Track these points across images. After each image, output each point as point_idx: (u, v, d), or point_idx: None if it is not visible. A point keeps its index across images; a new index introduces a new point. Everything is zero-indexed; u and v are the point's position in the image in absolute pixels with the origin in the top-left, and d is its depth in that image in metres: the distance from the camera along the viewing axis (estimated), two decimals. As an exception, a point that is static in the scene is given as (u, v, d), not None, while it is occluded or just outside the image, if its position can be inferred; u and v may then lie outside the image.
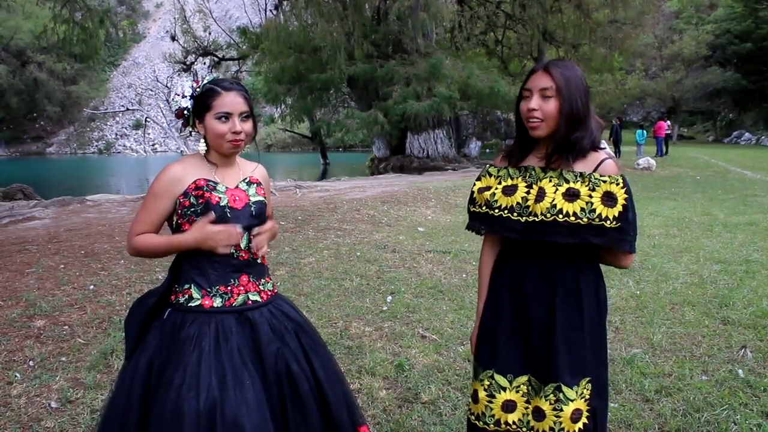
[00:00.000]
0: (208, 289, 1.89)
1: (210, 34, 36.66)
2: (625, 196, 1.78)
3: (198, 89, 1.92)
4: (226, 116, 1.87)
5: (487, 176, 1.99)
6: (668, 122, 29.26)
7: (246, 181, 2.00)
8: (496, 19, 28.46)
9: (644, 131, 26.30)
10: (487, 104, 26.08)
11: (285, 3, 24.94)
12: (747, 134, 44.68)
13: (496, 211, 1.89)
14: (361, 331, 4.27)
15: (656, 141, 26.35)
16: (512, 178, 1.92)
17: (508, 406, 1.92)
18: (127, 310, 1.98)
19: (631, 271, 5.76)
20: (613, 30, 27.67)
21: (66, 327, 4.26)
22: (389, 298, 5.07)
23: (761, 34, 42.91)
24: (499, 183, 1.93)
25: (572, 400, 1.84)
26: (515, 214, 1.85)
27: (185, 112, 1.93)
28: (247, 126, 1.91)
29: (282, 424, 1.86)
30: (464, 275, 5.80)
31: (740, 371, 3.50)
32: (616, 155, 24.92)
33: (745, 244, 7.07)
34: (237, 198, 1.93)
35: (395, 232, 8.16)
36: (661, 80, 47.51)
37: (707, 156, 26.35)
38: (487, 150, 36.39)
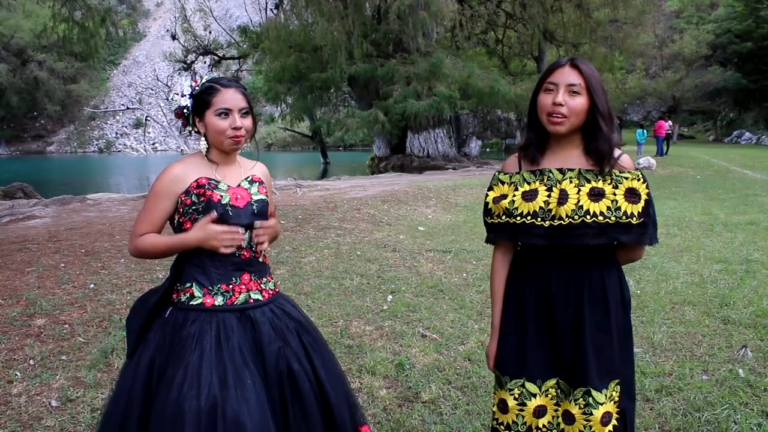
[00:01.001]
0: (210, 288, 1.89)
1: (210, 33, 36.62)
2: (647, 191, 1.76)
3: (197, 88, 1.92)
4: (226, 112, 1.87)
5: (500, 184, 1.91)
6: (669, 122, 29.22)
7: (248, 179, 2.00)
8: (496, 18, 28.48)
9: (645, 131, 26.29)
10: (488, 103, 26.11)
11: (285, 2, 24.95)
12: (747, 134, 44.66)
13: (518, 218, 1.82)
14: (361, 330, 4.27)
15: (656, 140, 26.35)
16: (529, 183, 1.84)
17: (540, 412, 1.88)
18: (128, 309, 1.97)
19: (632, 270, 5.76)
20: (614, 29, 27.70)
21: (66, 326, 4.26)
22: (389, 297, 5.07)
23: (762, 34, 42.88)
24: (516, 189, 1.85)
25: (602, 404, 1.80)
26: (539, 219, 1.79)
27: (185, 111, 1.93)
28: (247, 122, 1.92)
29: (283, 423, 1.86)
30: (465, 274, 5.80)
31: (741, 371, 3.50)
32: None
33: (745, 243, 7.07)
34: (239, 196, 1.93)
35: (395, 231, 8.16)
36: (662, 80, 47.50)
37: (708, 155, 26.33)
38: (488, 149, 36.42)
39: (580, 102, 1.74)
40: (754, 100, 45.97)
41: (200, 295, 1.88)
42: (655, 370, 3.53)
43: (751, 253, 6.49)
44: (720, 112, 49.99)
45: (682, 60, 46.24)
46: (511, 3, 26.63)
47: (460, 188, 13.08)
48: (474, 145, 32.70)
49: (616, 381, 1.84)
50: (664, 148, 26.15)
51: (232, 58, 34.19)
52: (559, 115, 1.75)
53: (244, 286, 1.92)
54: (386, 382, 3.45)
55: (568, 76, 1.75)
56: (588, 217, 1.73)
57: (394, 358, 3.75)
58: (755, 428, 2.88)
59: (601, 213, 1.73)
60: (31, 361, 3.68)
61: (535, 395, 1.87)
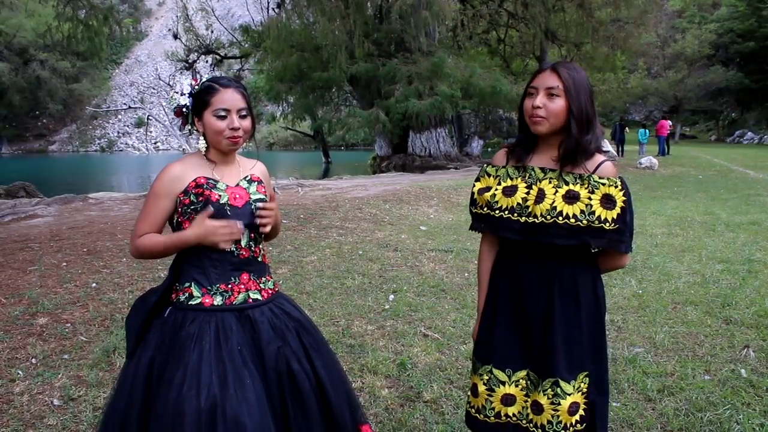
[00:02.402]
0: (209, 288, 1.88)
1: (212, 32, 36.63)
2: (624, 198, 1.81)
3: (197, 87, 1.92)
4: (225, 113, 1.87)
5: (486, 176, 2.01)
6: (669, 122, 29.17)
7: (247, 179, 2.00)
8: (498, 18, 28.41)
9: (647, 130, 26.25)
10: (490, 103, 26.04)
11: (287, 1, 24.93)
12: (750, 133, 44.61)
13: (497, 212, 1.90)
14: (363, 329, 4.27)
15: (658, 140, 26.32)
16: (512, 179, 1.93)
17: (508, 400, 1.96)
18: (129, 309, 1.97)
19: (633, 270, 5.76)
20: (616, 29, 27.60)
21: (68, 325, 4.27)
22: (391, 296, 5.07)
23: (764, 33, 42.83)
24: (499, 183, 1.94)
25: (569, 394, 1.88)
26: (515, 214, 1.86)
27: (184, 110, 1.93)
28: (246, 123, 1.91)
29: (283, 423, 1.86)
30: (466, 274, 5.80)
31: (743, 371, 3.50)
32: (619, 155, 24.93)
33: (747, 243, 7.06)
34: (237, 196, 1.93)
35: (397, 231, 8.15)
36: (664, 79, 47.46)
37: (710, 155, 26.30)
38: (489, 149, 36.33)
39: (559, 104, 1.82)
40: (756, 100, 45.92)
41: (199, 295, 1.88)
42: (657, 370, 3.53)
43: (753, 253, 6.48)
44: (722, 112, 49.93)
45: (684, 60, 46.17)
46: (512, 2, 26.55)
47: (462, 188, 13.06)
48: (476, 145, 32.62)
49: (585, 373, 1.91)
50: (666, 148, 26.11)
51: (234, 57, 34.18)
52: (539, 117, 1.83)
53: (243, 286, 1.92)
54: (388, 381, 3.45)
55: (547, 79, 1.84)
56: (560, 218, 1.80)
57: (395, 358, 3.75)
58: (758, 428, 2.87)
59: (574, 215, 1.79)
60: (33, 360, 3.68)
61: (503, 383, 1.95)
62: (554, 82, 1.81)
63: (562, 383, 1.87)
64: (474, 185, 2.02)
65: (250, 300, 1.93)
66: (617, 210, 1.80)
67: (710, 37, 44.68)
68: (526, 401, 1.95)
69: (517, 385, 1.95)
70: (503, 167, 1.97)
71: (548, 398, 1.89)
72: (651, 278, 5.55)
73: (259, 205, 1.94)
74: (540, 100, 1.82)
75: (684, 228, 8.19)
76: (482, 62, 27.66)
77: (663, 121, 27.45)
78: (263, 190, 2.02)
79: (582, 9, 25.28)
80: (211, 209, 1.85)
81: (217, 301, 1.88)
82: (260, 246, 2.01)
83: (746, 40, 44.02)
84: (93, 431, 2.88)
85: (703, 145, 39.25)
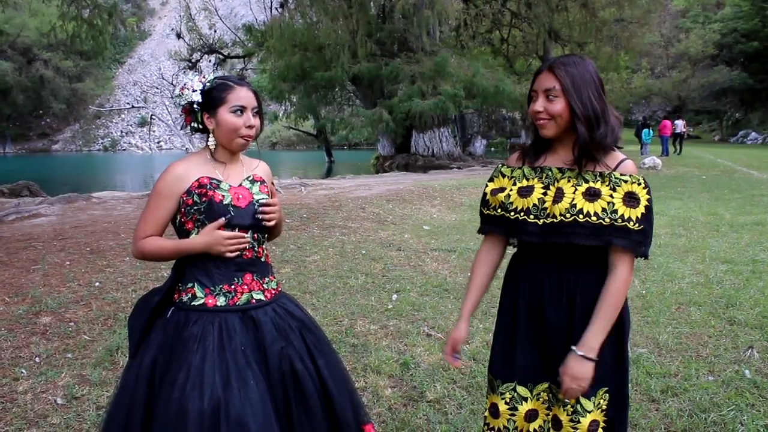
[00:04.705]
0: (212, 288, 1.88)
1: (215, 31, 36.75)
2: (648, 197, 1.72)
3: (207, 83, 1.90)
4: (241, 110, 1.86)
5: (500, 177, 1.91)
6: (683, 121, 28.89)
7: (250, 179, 1.98)
8: (501, 18, 28.42)
9: (650, 130, 26.19)
10: (493, 103, 26.08)
11: (290, 1, 24.97)
12: (753, 134, 44.46)
13: (512, 213, 1.81)
14: (366, 329, 4.27)
15: (661, 140, 26.25)
16: (527, 179, 1.83)
17: (531, 416, 1.86)
18: (131, 309, 1.97)
19: (637, 270, 5.74)
20: (619, 28, 27.60)
21: (72, 324, 4.28)
22: (394, 296, 5.07)
23: (768, 33, 42.72)
24: (514, 184, 1.85)
25: (589, 412, 1.78)
26: (532, 216, 1.77)
27: (195, 106, 1.90)
28: (257, 121, 1.91)
29: (286, 423, 1.85)
30: (469, 274, 5.79)
31: (747, 372, 3.49)
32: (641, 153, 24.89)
33: (751, 244, 7.04)
34: (240, 196, 1.91)
35: (400, 231, 8.15)
36: (667, 79, 47.39)
37: (713, 155, 26.22)
38: (492, 149, 36.33)
39: (558, 106, 1.74)
40: (760, 100, 45.79)
41: (202, 296, 1.87)
42: (661, 371, 3.52)
43: (757, 254, 6.46)
44: (726, 112, 49.80)
45: (687, 59, 46.08)
46: (516, 2, 26.59)
47: (465, 187, 13.06)
48: (479, 145, 32.63)
49: (605, 389, 1.80)
50: (677, 148, 26.00)
51: (237, 56, 34.28)
52: (543, 119, 1.77)
53: (246, 287, 1.92)
54: (391, 381, 3.45)
55: (544, 81, 1.76)
56: (581, 216, 1.70)
57: (399, 358, 3.75)
58: (762, 430, 2.86)
59: (595, 213, 1.69)
60: (37, 359, 3.69)
61: (526, 399, 1.86)
62: (551, 84, 1.74)
63: (582, 400, 1.78)
64: (487, 185, 1.93)
65: (254, 300, 1.92)
66: (641, 209, 1.70)
67: (714, 36, 44.57)
68: (547, 415, 1.86)
69: (538, 399, 1.86)
70: (519, 168, 1.88)
71: (567, 414, 1.79)
72: (655, 278, 5.54)
73: (262, 202, 1.94)
74: (540, 104, 1.76)
75: (687, 228, 8.16)
76: (485, 62, 27.67)
77: (665, 121, 27.35)
78: (266, 190, 2.01)
79: (585, 9, 25.30)
80: (222, 221, 1.86)
81: (221, 301, 1.87)
82: (263, 246, 2.01)
83: (750, 39, 43.87)
84: (96, 430, 2.88)
85: (706, 145, 39.13)
